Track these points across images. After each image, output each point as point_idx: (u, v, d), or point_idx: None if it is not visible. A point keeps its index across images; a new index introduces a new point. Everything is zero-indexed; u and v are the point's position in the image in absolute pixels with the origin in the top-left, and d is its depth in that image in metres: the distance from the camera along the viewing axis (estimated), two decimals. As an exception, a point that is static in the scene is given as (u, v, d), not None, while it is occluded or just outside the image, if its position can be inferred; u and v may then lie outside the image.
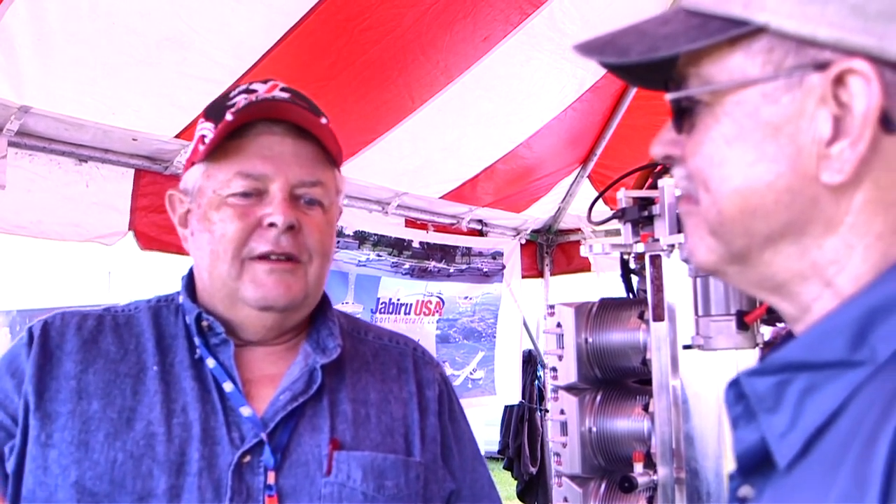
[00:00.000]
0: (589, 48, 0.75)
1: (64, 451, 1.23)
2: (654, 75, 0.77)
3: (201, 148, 1.33)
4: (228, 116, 1.29)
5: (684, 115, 0.76)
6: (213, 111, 1.36)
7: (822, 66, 0.68)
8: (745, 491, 0.77)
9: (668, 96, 0.77)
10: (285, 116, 1.33)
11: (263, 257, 1.29)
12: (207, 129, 1.34)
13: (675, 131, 0.78)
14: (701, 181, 0.75)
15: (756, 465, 0.74)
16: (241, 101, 1.33)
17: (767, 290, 0.77)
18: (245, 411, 1.29)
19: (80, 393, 1.27)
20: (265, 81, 1.38)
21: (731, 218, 0.74)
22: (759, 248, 0.74)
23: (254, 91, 1.35)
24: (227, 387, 1.30)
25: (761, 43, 0.71)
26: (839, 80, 0.68)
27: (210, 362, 1.32)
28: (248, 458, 1.26)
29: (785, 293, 0.76)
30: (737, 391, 0.75)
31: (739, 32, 0.70)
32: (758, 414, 0.73)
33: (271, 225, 1.28)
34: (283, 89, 1.37)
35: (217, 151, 1.30)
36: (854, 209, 0.70)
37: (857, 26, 0.67)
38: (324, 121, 1.34)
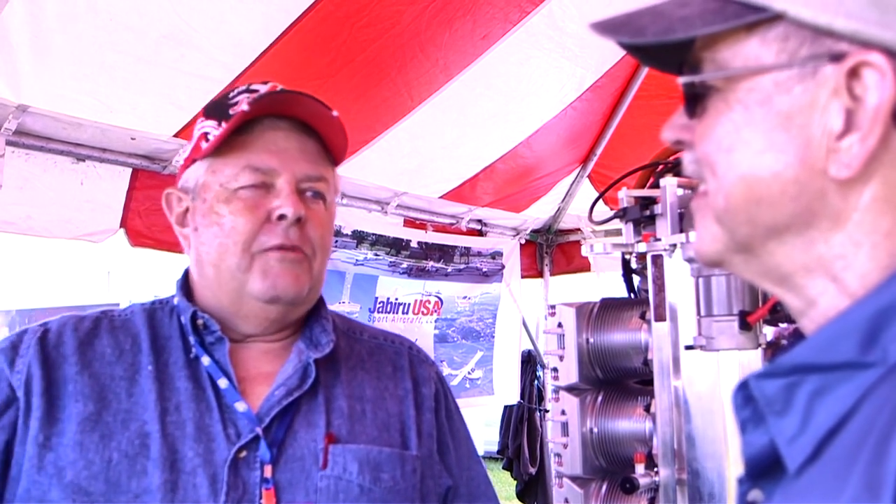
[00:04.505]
0: (605, 27, 0.75)
1: (60, 452, 1.23)
2: (669, 57, 0.77)
3: (204, 145, 1.34)
4: (245, 107, 1.30)
5: (696, 100, 0.76)
6: (215, 110, 1.37)
7: (837, 58, 0.67)
8: (755, 495, 0.76)
9: (681, 80, 0.76)
10: (297, 109, 1.34)
11: (273, 249, 1.31)
12: (210, 127, 1.34)
13: (687, 116, 0.78)
14: (708, 166, 0.75)
15: (765, 469, 0.73)
16: (242, 99, 1.33)
17: (772, 282, 0.76)
18: (240, 406, 1.30)
19: (75, 396, 1.27)
20: (265, 83, 1.40)
21: (736, 205, 0.73)
22: (763, 238, 0.73)
23: (255, 91, 1.36)
24: (222, 383, 1.31)
25: (778, 30, 0.69)
26: (853, 73, 0.67)
27: (205, 360, 1.33)
28: (244, 454, 1.27)
29: (790, 285, 0.74)
30: (745, 394, 0.73)
31: (756, 18, 0.69)
32: (767, 417, 0.71)
33: (280, 217, 1.30)
34: (282, 90, 1.38)
35: (223, 146, 1.32)
36: (862, 206, 0.69)
37: (875, 18, 0.66)
38: (335, 114, 1.36)
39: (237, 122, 1.29)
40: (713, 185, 0.75)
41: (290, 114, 1.35)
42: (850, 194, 0.69)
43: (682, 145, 0.80)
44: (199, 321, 1.34)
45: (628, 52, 0.79)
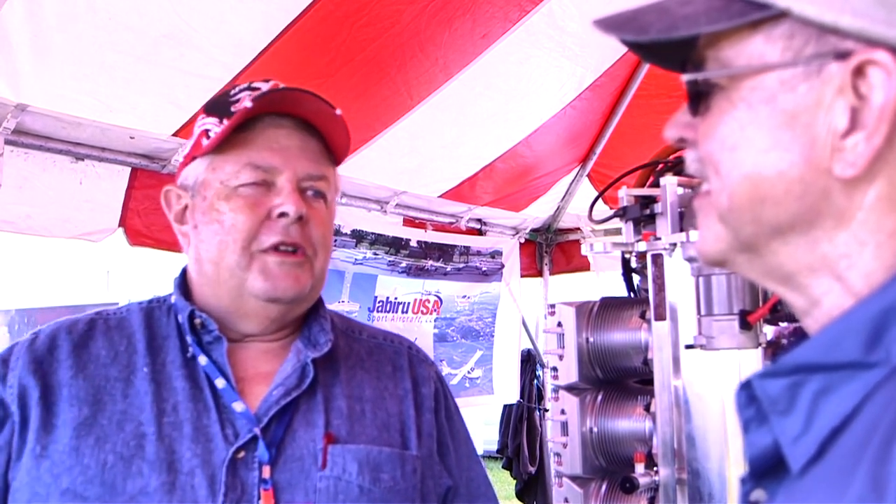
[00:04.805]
0: (608, 24, 0.74)
1: (56, 460, 1.22)
2: (673, 55, 0.76)
3: (205, 142, 1.33)
4: (248, 103, 1.29)
5: (700, 98, 0.75)
6: (216, 107, 1.36)
7: (842, 56, 0.67)
8: (758, 495, 0.75)
9: (685, 77, 0.76)
10: (300, 107, 1.34)
11: (272, 249, 1.30)
12: (211, 124, 1.33)
13: (690, 114, 0.77)
14: (712, 165, 0.74)
15: (768, 468, 0.73)
16: (244, 97, 1.32)
17: (776, 281, 0.76)
18: (238, 406, 1.29)
19: (70, 400, 1.26)
20: (266, 81, 1.39)
21: (741, 205, 0.72)
22: (767, 237, 0.73)
23: (257, 89, 1.35)
24: (220, 383, 1.30)
25: (782, 28, 0.69)
26: (859, 71, 0.66)
27: (202, 360, 1.32)
28: (242, 454, 1.26)
29: (794, 285, 0.74)
30: (748, 394, 0.73)
31: (761, 16, 0.69)
32: (770, 417, 0.71)
33: (281, 215, 1.30)
34: (285, 88, 1.37)
35: (224, 144, 1.31)
36: (867, 205, 0.68)
37: (881, 16, 0.65)
38: (338, 112, 1.35)
39: (240, 118, 1.29)
40: (716, 185, 0.74)
41: (292, 112, 1.34)
42: (854, 193, 0.68)
43: (684, 143, 0.79)
44: (197, 320, 1.33)
45: (631, 50, 0.79)
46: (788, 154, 0.69)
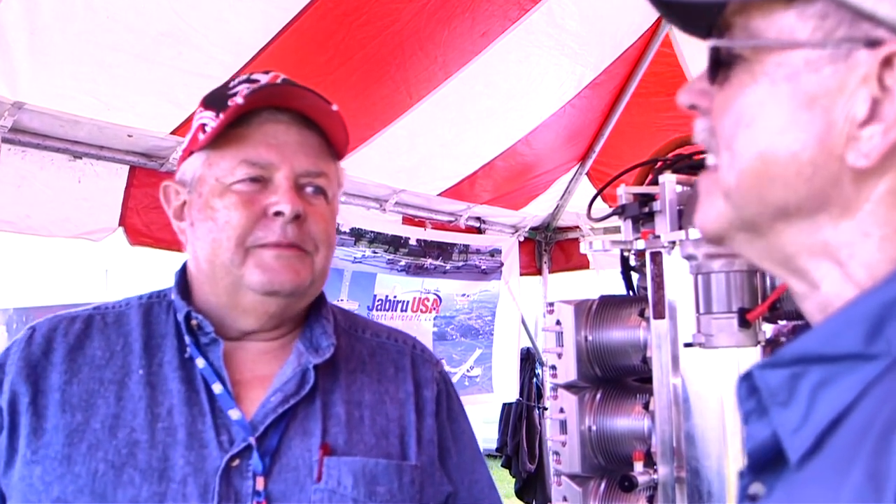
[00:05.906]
0: None
1: (48, 466, 1.21)
2: (699, 19, 0.74)
3: (201, 136, 1.30)
4: (239, 99, 1.26)
5: (720, 67, 0.73)
6: (214, 100, 1.33)
7: (873, 44, 0.65)
8: (756, 488, 0.74)
9: (709, 44, 0.74)
10: (297, 102, 1.31)
11: (268, 245, 1.27)
12: (208, 118, 1.30)
13: (708, 81, 0.75)
14: (724, 139, 0.73)
15: (767, 462, 0.72)
16: (243, 89, 1.29)
17: (775, 263, 0.75)
18: (234, 414, 1.26)
19: (63, 405, 1.24)
20: (266, 73, 1.36)
21: (748, 183, 0.71)
22: (771, 218, 0.72)
23: (255, 81, 1.32)
24: (217, 388, 1.27)
25: (817, 7, 0.67)
26: (887, 62, 0.65)
27: (200, 362, 1.29)
28: (236, 463, 1.23)
29: (793, 268, 0.73)
30: (749, 385, 0.72)
31: None
32: (770, 408, 0.70)
33: (277, 214, 1.26)
34: (284, 80, 1.35)
35: (220, 139, 1.28)
36: (875, 197, 0.67)
37: None
38: (334, 108, 1.32)
39: (231, 115, 1.26)
40: (725, 160, 0.73)
41: (290, 106, 1.31)
42: (864, 184, 0.67)
43: (696, 109, 0.78)
44: (193, 322, 1.31)
45: (656, 9, 0.76)
46: (803, 135, 0.68)
